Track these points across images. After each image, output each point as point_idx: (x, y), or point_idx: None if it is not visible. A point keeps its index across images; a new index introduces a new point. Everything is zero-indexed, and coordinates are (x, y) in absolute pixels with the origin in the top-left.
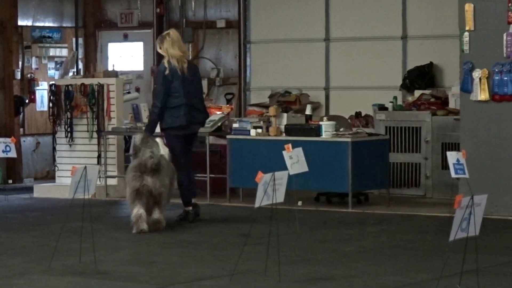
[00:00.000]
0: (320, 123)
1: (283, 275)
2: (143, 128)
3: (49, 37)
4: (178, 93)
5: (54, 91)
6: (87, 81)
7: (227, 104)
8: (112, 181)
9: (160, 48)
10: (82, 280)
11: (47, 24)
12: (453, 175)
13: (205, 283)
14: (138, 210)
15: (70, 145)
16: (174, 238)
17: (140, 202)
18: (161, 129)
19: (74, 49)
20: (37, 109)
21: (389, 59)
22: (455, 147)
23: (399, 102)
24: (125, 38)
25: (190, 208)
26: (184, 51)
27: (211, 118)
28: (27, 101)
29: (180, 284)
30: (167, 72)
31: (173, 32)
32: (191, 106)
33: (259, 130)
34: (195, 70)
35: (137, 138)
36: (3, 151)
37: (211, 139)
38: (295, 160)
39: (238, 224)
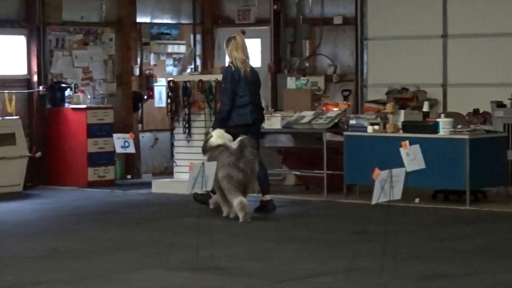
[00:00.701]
0: (438, 120)
1: (399, 273)
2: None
3: (167, 33)
4: (244, 92)
5: (172, 87)
6: (205, 77)
7: (344, 100)
8: None
9: (226, 49)
10: (199, 276)
11: (165, 21)
12: None
13: (321, 279)
14: (240, 199)
15: (188, 141)
16: (290, 235)
17: (238, 192)
18: (227, 127)
19: (192, 45)
20: (155, 105)
21: (508, 55)
22: None
23: None
24: (243, 34)
25: (268, 197)
26: (247, 55)
27: (328, 114)
28: (145, 97)
29: (296, 280)
30: (232, 73)
31: (239, 37)
32: (255, 104)
33: (376, 127)
34: (256, 73)
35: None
36: (122, 147)
37: (328, 136)
38: (412, 157)
39: (354, 221)
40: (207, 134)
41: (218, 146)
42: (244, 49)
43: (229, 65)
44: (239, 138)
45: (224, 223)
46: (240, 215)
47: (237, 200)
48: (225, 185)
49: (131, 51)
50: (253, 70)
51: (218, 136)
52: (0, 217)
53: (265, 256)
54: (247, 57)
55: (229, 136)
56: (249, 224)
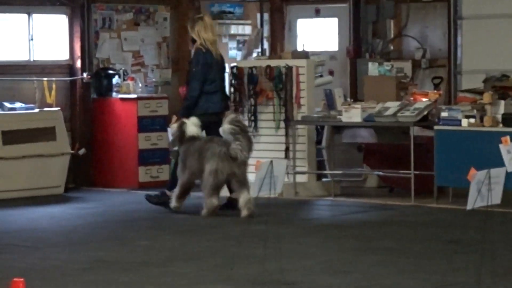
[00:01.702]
0: None
1: None
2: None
3: (230, 12)
4: (214, 78)
5: (236, 74)
6: (274, 63)
7: (434, 89)
8: (302, 178)
9: (192, 31)
10: None
11: None
12: None
13: None
14: (215, 202)
15: (254, 136)
16: (371, 245)
17: (217, 193)
18: (194, 115)
19: (258, 26)
20: None
21: None
22: None
23: None
24: (317, 13)
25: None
26: (216, 38)
27: (415, 106)
28: None
29: None
30: (205, 56)
31: (207, 17)
32: (224, 92)
33: (472, 120)
34: (223, 58)
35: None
36: None
37: (415, 130)
38: None
39: (446, 228)
40: (182, 123)
41: (193, 137)
42: (213, 30)
43: (199, 47)
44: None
45: (295, 231)
46: (204, 213)
47: (211, 201)
48: (210, 181)
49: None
50: (220, 54)
51: (194, 125)
52: (38, 223)
53: (342, 269)
54: (216, 39)
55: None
56: (324, 233)
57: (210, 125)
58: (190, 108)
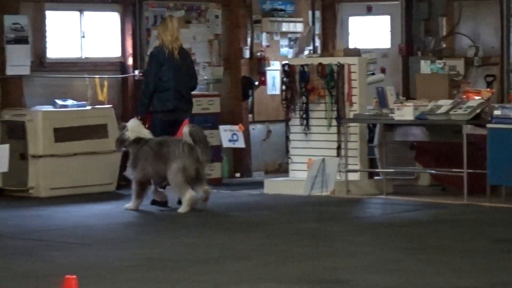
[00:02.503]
0: None
1: None
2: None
3: (281, 9)
4: (167, 77)
5: (288, 72)
6: (325, 60)
7: (487, 87)
8: (353, 176)
9: (157, 32)
10: None
11: None
12: None
13: None
14: (193, 193)
15: (305, 134)
16: (423, 243)
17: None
18: (149, 112)
19: (310, 23)
20: (268, 93)
21: None
22: None
23: None
24: (369, 11)
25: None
26: (177, 37)
27: (468, 104)
28: (256, 83)
29: None
30: (156, 55)
31: (169, 18)
32: (178, 91)
33: None
34: (186, 57)
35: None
36: (230, 140)
37: (468, 129)
38: None
39: (499, 227)
40: (123, 127)
41: (139, 139)
42: (173, 31)
43: (155, 47)
44: (186, 129)
45: (347, 230)
46: (186, 209)
47: (190, 194)
48: (178, 178)
49: (240, 30)
50: (184, 54)
51: (132, 130)
52: (90, 220)
53: (394, 267)
54: (177, 38)
55: (144, 130)
56: (375, 231)
57: (165, 124)
58: (143, 106)
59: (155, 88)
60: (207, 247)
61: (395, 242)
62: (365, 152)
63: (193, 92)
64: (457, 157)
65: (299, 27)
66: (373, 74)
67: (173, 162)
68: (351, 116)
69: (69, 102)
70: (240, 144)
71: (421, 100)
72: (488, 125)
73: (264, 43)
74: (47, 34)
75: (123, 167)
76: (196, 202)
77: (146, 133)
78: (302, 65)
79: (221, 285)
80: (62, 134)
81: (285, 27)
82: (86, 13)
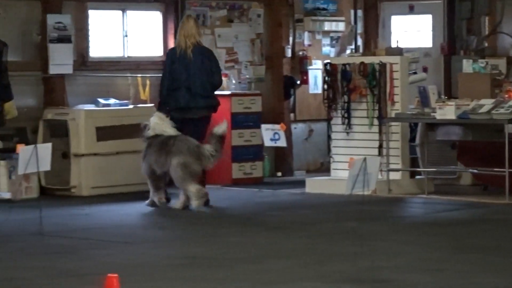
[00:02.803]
0: None
1: None
2: None
3: (323, 9)
4: (178, 75)
5: (329, 71)
6: (367, 59)
7: None
8: (395, 175)
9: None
10: None
11: None
12: None
13: None
14: (199, 186)
15: (347, 133)
16: (466, 243)
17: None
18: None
19: (352, 22)
20: (310, 92)
21: None
22: None
23: None
24: (411, 10)
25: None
26: (189, 35)
27: (510, 103)
28: (298, 82)
29: None
30: (169, 54)
31: (186, 17)
32: (189, 89)
33: None
34: (202, 54)
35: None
36: (271, 140)
37: (510, 128)
38: None
39: None
40: (145, 126)
41: (156, 135)
42: (186, 30)
43: (172, 47)
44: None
45: (388, 229)
46: (197, 203)
47: (195, 187)
48: (180, 174)
49: (282, 29)
50: (200, 51)
51: (153, 128)
52: (132, 219)
53: (436, 267)
54: (189, 36)
55: (167, 126)
56: (417, 231)
57: (177, 121)
58: (160, 105)
59: (168, 86)
60: (249, 246)
61: (437, 242)
62: (407, 151)
63: (234, 91)
64: (499, 157)
65: (341, 26)
66: (415, 73)
67: (174, 157)
68: (393, 115)
69: (111, 101)
70: (282, 143)
71: (463, 99)
72: None
73: (306, 42)
74: (90, 33)
75: None
76: (206, 195)
77: (169, 130)
78: (344, 64)
79: (264, 284)
80: (104, 133)
81: (327, 26)
82: (128, 12)
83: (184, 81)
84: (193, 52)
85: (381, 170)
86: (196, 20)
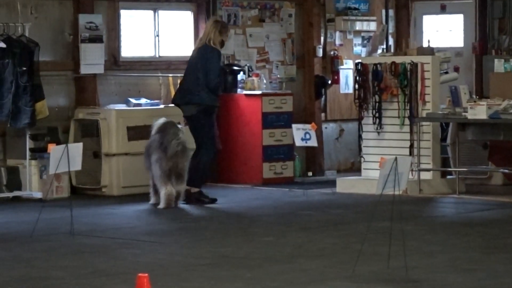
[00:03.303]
0: None
1: None
2: None
3: (355, 8)
4: (185, 74)
5: (361, 70)
6: (399, 59)
7: None
8: (426, 175)
9: None
10: None
11: None
12: None
13: None
14: (169, 189)
15: (378, 133)
16: (498, 242)
17: (168, 180)
18: None
19: (383, 22)
20: (341, 91)
21: None
22: None
23: None
24: (443, 9)
25: (194, 189)
26: (204, 34)
27: None
28: (329, 82)
29: None
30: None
31: (210, 18)
32: (183, 88)
33: None
34: (202, 53)
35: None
36: (302, 139)
37: None
38: None
39: None
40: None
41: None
42: (204, 29)
43: None
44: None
45: (420, 229)
46: (162, 205)
47: (165, 190)
48: (156, 171)
49: (314, 28)
50: (201, 51)
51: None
52: (162, 218)
53: (469, 267)
54: (204, 36)
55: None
56: (449, 231)
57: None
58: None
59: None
60: (280, 246)
61: (468, 242)
62: (438, 151)
63: (265, 91)
64: None
65: (372, 26)
66: (446, 73)
67: (152, 154)
68: (424, 115)
69: (143, 100)
70: (313, 143)
71: (495, 99)
72: None
73: (338, 41)
74: (122, 33)
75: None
76: (172, 199)
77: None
78: (375, 64)
79: (295, 283)
80: (135, 132)
81: (358, 26)
82: (160, 12)
83: (184, 80)
84: (197, 51)
85: (412, 170)
86: (217, 21)
